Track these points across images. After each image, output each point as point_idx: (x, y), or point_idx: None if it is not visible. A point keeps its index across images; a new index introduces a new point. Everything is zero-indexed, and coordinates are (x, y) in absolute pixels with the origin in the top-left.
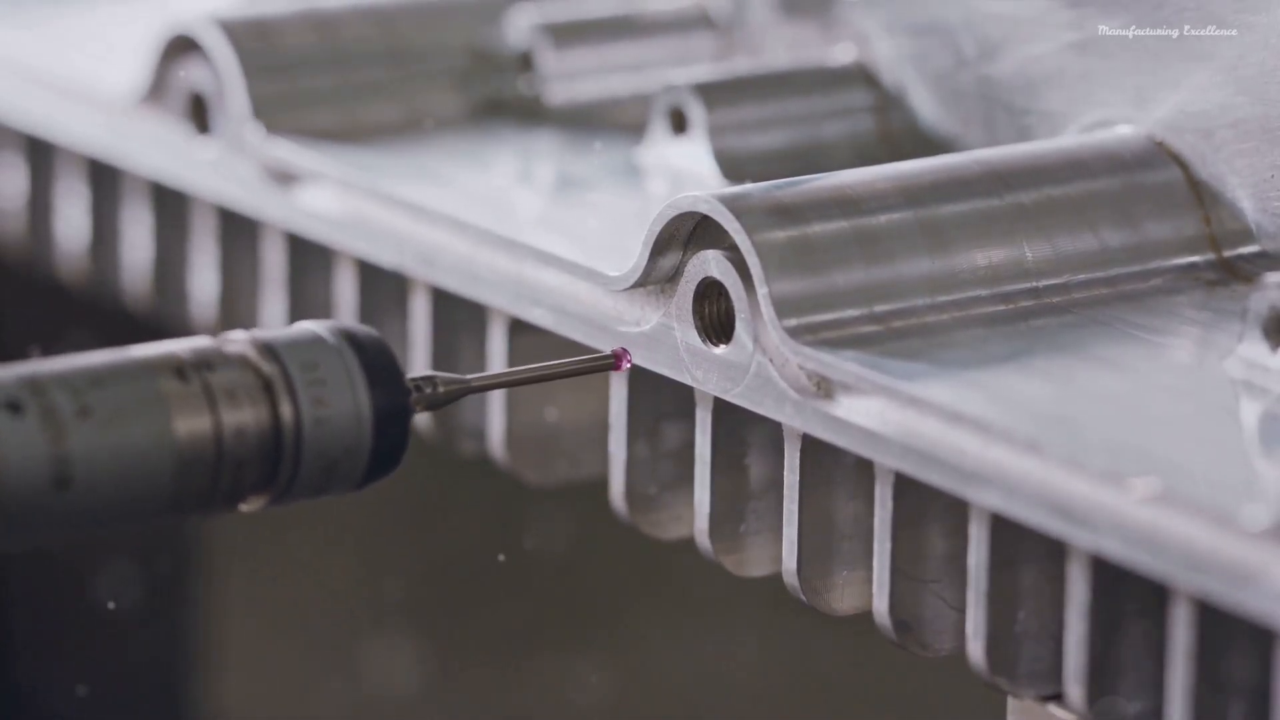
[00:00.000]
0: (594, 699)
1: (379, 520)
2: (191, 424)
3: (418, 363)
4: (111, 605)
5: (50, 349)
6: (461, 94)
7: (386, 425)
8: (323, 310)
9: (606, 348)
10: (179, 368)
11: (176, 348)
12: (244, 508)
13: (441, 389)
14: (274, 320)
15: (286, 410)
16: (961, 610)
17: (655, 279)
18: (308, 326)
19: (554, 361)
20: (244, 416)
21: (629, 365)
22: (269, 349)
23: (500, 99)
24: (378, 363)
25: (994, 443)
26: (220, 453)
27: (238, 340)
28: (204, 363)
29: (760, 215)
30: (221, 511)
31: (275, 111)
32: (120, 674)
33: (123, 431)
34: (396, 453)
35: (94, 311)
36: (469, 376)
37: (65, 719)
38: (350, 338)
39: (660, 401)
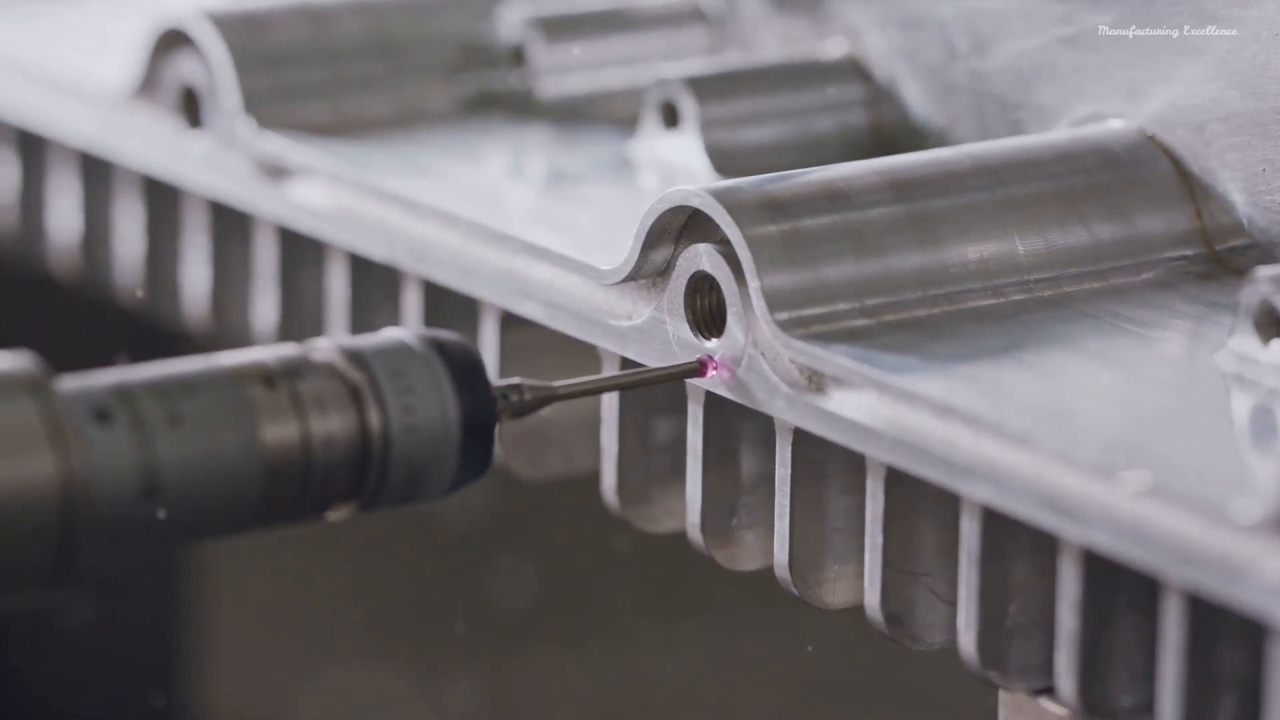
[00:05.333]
0: (586, 696)
1: (371, 516)
2: (280, 432)
3: None
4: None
5: (46, 346)
6: (453, 88)
7: (473, 433)
8: (314, 303)
9: (597, 342)
10: (267, 376)
11: (264, 355)
12: (331, 517)
13: (528, 396)
14: (267, 315)
15: (374, 418)
16: (953, 604)
17: (647, 273)
18: (395, 334)
19: (638, 369)
20: (332, 425)
21: (715, 372)
22: (357, 356)
23: (492, 93)
24: (465, 370)
25: (985, 436)
26: (308, 461)
27: (325, 348)
28: (292, 370)
29: (752, 209)
30: (309, 521)
31: (267, 106)
32: (115, 671)
33: (211, 440)
34: (483, 461)
35: (86, 306)
36: (555, 384)
37: (59, 716)
38: (438, 345)
39: (652, 396)
